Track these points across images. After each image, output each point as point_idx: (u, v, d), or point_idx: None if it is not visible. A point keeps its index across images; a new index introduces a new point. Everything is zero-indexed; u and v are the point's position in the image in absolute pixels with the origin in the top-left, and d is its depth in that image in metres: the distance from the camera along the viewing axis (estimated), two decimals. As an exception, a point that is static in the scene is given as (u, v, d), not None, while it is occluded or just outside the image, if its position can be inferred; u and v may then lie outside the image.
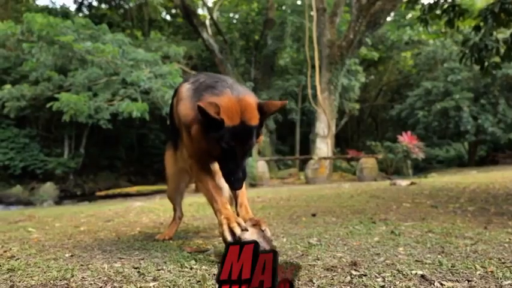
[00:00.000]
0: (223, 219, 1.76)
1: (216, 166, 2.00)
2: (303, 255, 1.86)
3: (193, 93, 1.85)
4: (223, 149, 1.70)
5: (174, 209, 2.64)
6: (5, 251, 2.14)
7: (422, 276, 1.47)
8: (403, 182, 6.68)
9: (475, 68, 14.70)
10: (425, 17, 5.68)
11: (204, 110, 1.59)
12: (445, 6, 5.51)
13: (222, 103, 1.67)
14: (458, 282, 1.43)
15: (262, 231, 1.72)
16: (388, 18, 17.55)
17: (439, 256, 1.79)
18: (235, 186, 1.78)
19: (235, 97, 1.72)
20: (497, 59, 5.27)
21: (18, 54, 13.71)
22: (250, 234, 1.67)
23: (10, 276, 1.57)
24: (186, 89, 1.96)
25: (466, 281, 1.44)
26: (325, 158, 13.00)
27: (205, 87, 1.81)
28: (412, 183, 6.50)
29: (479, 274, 1.52)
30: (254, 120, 1.72)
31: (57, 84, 13.03)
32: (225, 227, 1.71)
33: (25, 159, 15.71)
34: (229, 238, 1.68)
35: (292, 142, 20.25)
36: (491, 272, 1.53)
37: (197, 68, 18.92)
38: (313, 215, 3.40)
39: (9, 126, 16.10)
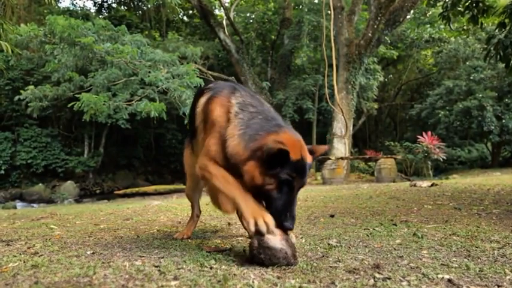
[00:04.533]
0: (250, 214, 1.69)
1: None
2: (323, 256, 1.83)
3: (245, 130, 1.80)
4: (281, 181, 1.70)
5: (192, 207, 2.65)
6: (28, 248, 2.19)
7: (450, 280, 1.42)
8: (424, 183, 6.51)
9: (499, 66, 14.31)
10: (447, 13, 5.55)
11: (283, 153, 1.63)
12: (468, 2, 5.37)
13: (284, 140, 1.70)
14: (487, 287, 1.37)
15: (287, 234, 1.70)
16: (408, 16, 17.23)
17: (465, 260, 1.73)
18: (289, 223, 1.71)
19: (294, 135, 1.79)
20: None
21: (41, 55, 14.07)
22: (274, 237, 1.64)
23: (34, 273, 1.59)
24: (234, 112, 1.88)
25: (496, 286, 1.38)
26: (342, 158, 12.84)
27: (260, 127, 1.79)
28: (433, 185, 6.33)
29: (510, 279, 1.46)
30: (309, 158, 1.80)
31: (77, 84, 13.31)
32: (251, 221, 1.66)
33: (47, 158, 16.15)
34: (252, 229, 1.64)
35: (308, 142, 19.93)
36: (522, 277, 1.47)
37: (214, 68, 19.02)
38: (332, 216, 3.36)
39: (32, 125, 16.60)
